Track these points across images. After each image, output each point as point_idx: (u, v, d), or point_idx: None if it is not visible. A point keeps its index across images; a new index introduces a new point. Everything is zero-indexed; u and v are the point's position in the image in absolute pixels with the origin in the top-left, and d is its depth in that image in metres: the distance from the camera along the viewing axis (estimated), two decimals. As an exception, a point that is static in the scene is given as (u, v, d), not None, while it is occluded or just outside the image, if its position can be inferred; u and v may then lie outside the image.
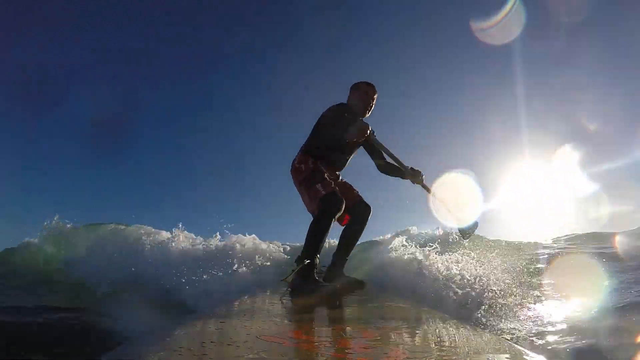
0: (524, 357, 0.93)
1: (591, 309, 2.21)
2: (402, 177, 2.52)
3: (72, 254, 5.64)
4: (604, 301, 2.34)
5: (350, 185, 2.49)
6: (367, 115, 2.45)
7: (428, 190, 2.55)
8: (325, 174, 2.27)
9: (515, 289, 2.63)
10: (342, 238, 2.41)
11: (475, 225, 2.73)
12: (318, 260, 2.10)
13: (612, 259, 3.77)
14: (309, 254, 2.04)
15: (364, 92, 2.42)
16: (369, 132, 2.18)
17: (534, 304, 2.48)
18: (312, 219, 2.20)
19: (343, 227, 2.41)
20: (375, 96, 2.43)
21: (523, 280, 2.87)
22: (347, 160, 2.50)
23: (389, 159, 2.52)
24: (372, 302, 1.92)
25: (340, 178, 2.50)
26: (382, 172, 2.60)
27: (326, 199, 2.13)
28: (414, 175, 2.48)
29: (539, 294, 2.73)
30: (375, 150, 2.54)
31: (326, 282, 2.18)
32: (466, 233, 2.77)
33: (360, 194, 2.46)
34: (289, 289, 2.09)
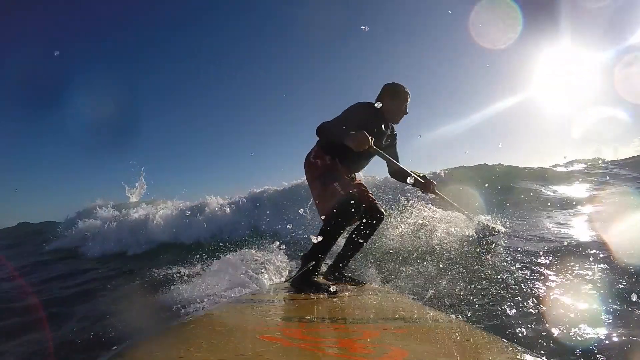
0: (524, 357, 0.92)
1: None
2: (414, 185, 2.43)
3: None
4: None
5: (365, 187, 2.36)
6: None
7: (442, 197, 2.52)
8: (343, 173, 2.17)
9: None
10: (348, 241, 2.32)
11: (497, 232, 2.71)
12: (322, 263, 2.03)
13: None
14: (315, 255, 1.97)
15: (404, 100, 2.28)
16: (367, 146, 1.96)
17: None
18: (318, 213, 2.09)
19: (351, 229, 2.30)
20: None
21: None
22: (366, 164, 2.37)
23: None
24: (372, 301, 1.91)
25: (357, 179, 2.36)
26: (393, 177, 2.49)
27: (344, 202, 1.98)
28: (426, 186, 2.39)
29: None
30: (391, 156, 2.38)
31: (326, 281, 2.18)
32: (486, 234, 2.76)
33: (374, 198, 2.33)
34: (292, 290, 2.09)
